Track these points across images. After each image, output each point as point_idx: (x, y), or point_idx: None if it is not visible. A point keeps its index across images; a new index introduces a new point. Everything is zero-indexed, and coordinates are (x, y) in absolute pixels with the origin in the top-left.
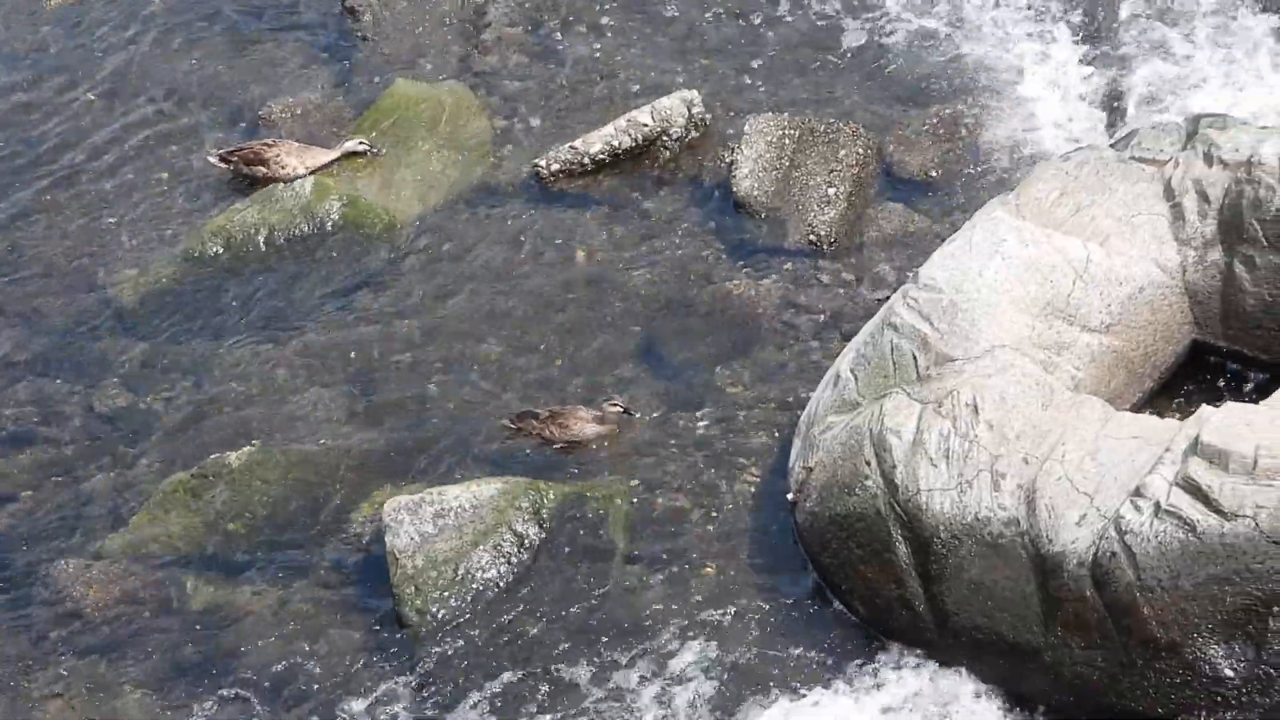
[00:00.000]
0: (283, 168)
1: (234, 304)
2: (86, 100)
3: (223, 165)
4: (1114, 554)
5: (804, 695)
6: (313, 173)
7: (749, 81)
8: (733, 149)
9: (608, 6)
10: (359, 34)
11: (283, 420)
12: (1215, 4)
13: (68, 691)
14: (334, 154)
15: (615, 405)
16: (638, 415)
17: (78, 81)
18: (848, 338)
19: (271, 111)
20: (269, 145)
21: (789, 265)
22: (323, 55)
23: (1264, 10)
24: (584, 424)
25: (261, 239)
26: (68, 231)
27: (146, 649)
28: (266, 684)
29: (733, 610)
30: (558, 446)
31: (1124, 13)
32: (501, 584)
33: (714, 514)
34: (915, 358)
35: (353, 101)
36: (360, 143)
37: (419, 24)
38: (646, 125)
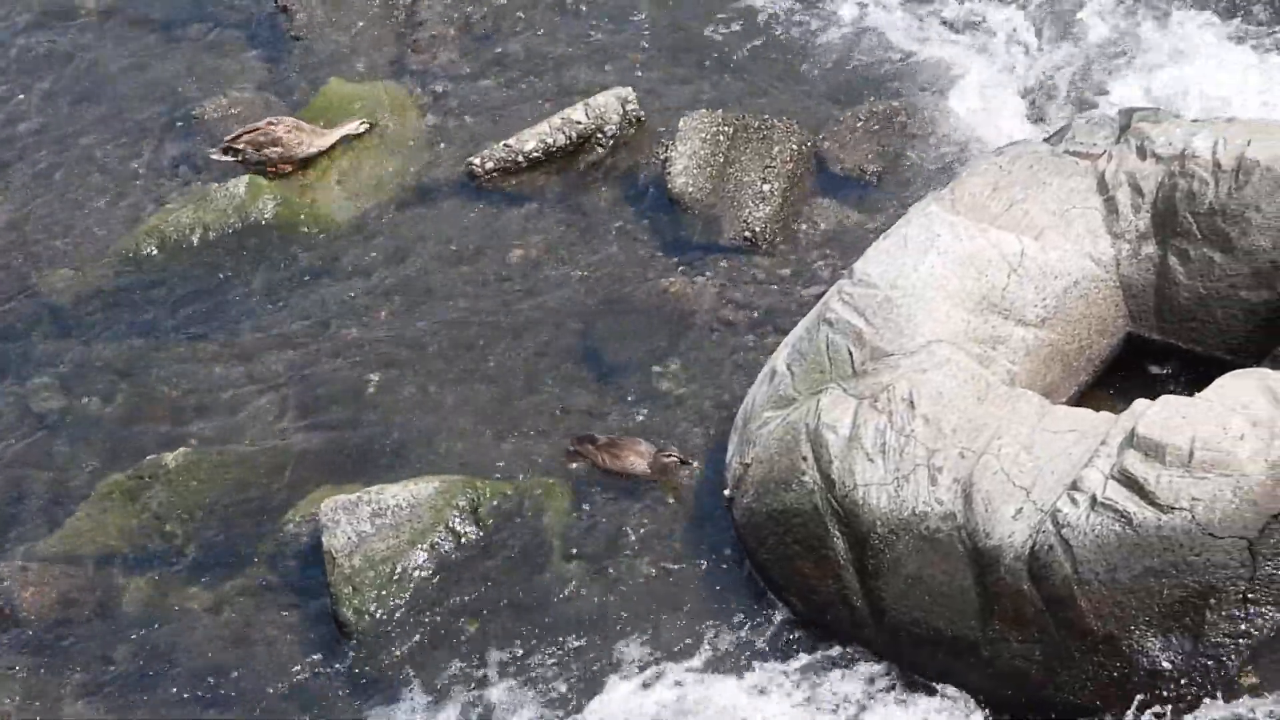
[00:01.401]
0: (299, 144)
1: (170, 304)
2: (18, 100)
3: (228, 158)
4: (1051, 547)
5: (743, 691)
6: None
7: (683, 78)
8: (667, 146)
9: (541, 4)
10: (293, 33)
11: (219, 421)
12: None
13: (2, 693)
14: (337, 135)
15: (670, 456)
16: (694, 464)
17: (9, 81)
18: (783, 334)
19: (205, 111)
20: (273, 124)
21: (724, 262)
22: (257, 54)
23: (1198, 5)
24: (635, 458)
25: (196, 239)
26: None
27: (83, 650)
28: (204, 685)
29: (670, 607)
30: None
31: (1058, 8)
32: (439, 583)
33: (651, 511)
34: (851, 353)
35: (287, 100)
36: (361, 123)
37: (353, 23)
38: (581, 123)
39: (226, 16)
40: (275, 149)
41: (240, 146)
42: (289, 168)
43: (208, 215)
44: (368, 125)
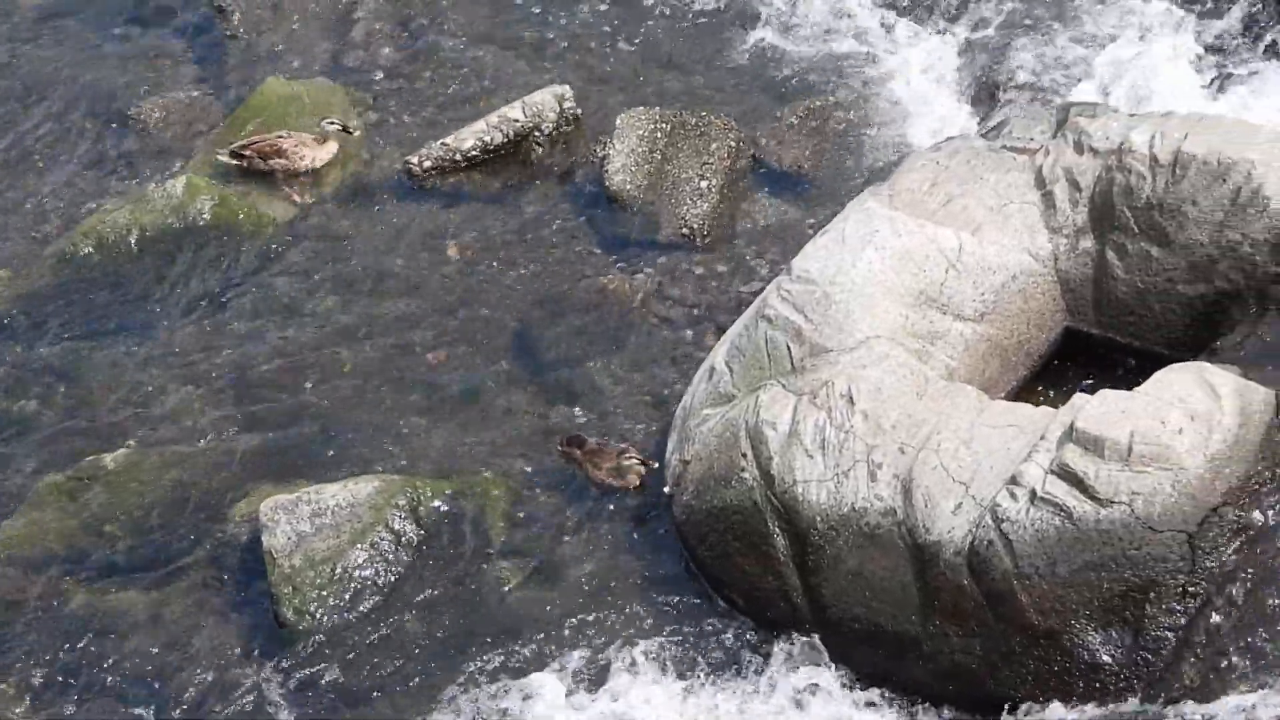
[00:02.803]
0: (301, 159)
1: (108, 305)
2: None
3: (234, 162)
4: (990, 542)
5: (684, 688)
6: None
7: (620, 75)
8: (604, 143)
9: (478, 2)
10: (228, 32)
11: (159, 421)
12: None
13: None
14: (335, 143)
15: (632, 458)
16: (654, 466)
17: None
18: (722, 330)
19: (141, 110)
20: (284, 137)
21: (662, 259)
22: (192, 54)
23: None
24: (604, 474)
25: (134, 239)
26: None
27: (22, 652)
28: (144, 686)
29: (611, 605)
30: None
31: (994, 4)
32: (379, 582)
33: (591, 509)
34: (790, 349)
35: (223, 100)
36: (331, 122)
37: (288, 22)
38: (518, 121)
39: (162, 17)
40: (280, 160)
41: (248, 154)
42: (295, 177)
43: (145, 216)
44: (339, 124)
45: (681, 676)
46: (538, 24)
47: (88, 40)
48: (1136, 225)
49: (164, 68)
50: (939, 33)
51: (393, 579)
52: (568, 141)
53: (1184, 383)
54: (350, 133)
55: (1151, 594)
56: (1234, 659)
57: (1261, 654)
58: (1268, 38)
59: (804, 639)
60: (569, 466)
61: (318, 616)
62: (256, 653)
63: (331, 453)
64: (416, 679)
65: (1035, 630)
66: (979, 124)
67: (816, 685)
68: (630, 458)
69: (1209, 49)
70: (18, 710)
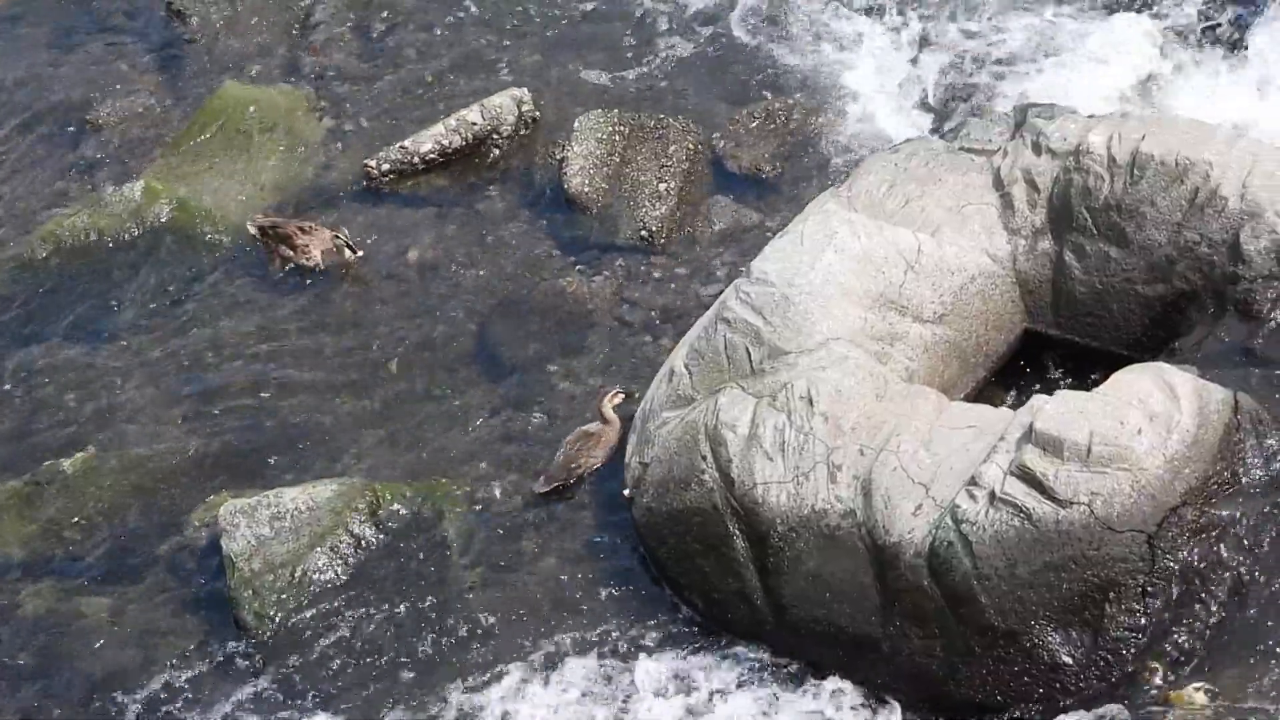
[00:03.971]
0: (307, 257)
1: (66, 309)
2: None
3: (259, 236)
4: (950, 543)
5: (643, 691)
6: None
7: (578, 78)
8: (563, 146)
9: (435, 6)
10: (186, 37)
11: (118, 425)
12: None
13: None
14: (354, 253)
15: (618, 395)
16: (360, 255)
17: None
18: (681, 333)
19: (99, 116)
20: (303, 230)
21: (621, 262)
22: (149, 58)
23: (1088, 2)
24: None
25: (92, 244)
26: None
27: None
28: (104, 691)
29: (570, 608)
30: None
31: (951, 6)
32: (339, 586)
33: (551, 512)
34: (749, 352)
35: (181, 104)
36: (336, 237)
37: (246, 26)
38: (476, 124)
39: (120, 22)
40: (288, 250)
41: (268, 231)
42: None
43: (103, 220)
44: (343, 242)
45: (639, 678)
46: (495, 28)
47: (45, 45)
48: (1095, 226)
49: (122, 72)
50: (896, 34)
51: (352, 582)
52: (526, 145)
53: (1143, 383)
54: (354, 253)
55: (1111, 594)
56: (1194, 658)
57: (1221, 653)
58: (1223, 37)
59: (764, 641)
60: (528, 470)
61: (277, 620)
62: (216, 657)
63: (291, 457)
64: (376, 681)
65: (995, 631)
66: (937, 126)
67: (776, 687)
68: (617, 395)
69: (1165, 49)
70: None
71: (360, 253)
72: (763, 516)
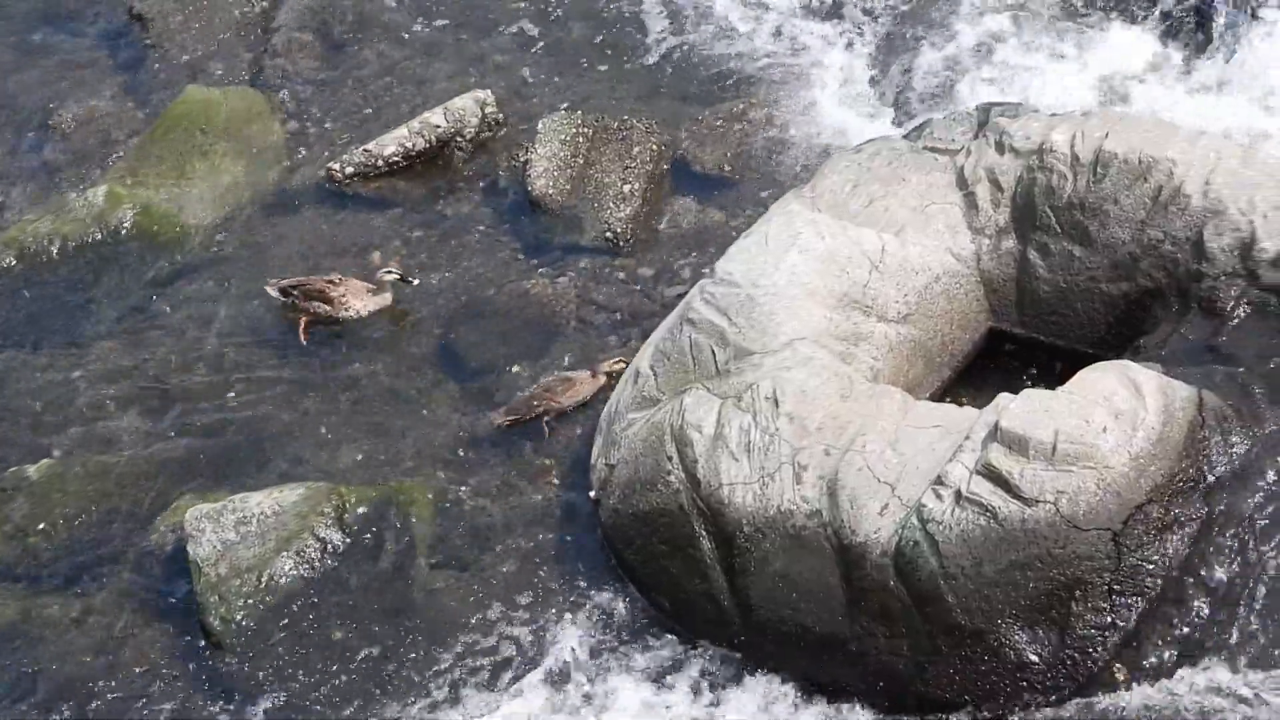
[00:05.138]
0: (346, 309)
1: (29, 315)
2: None
3: (281, 298)
4: (916, 543)
5: (611, 693)
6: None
7: (542, 80)
8: (527, 148)
9: (398, 9)
10: (148, 40)
11: (82, 431)
12: None
13: None
14: (387, 295)
15: (620, 363)
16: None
17: None
18: (646, 334)
19: (62, 120)
20: (333, 283)
21: (585, 263)
22: (112, 62)
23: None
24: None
25: (55, 249)
26: None
27: None
28: (70, 697)
29: (538, 610)
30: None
31: (914, 5)
32: (306, 590)
33: (517, 514)
34: (714, 353)
35: (144, 108)
36: (389, 271)
37: (208, 29)
38: (440, 126)
39: (81, 26)
40: (323, 306)
41: (294, 292)
42: (337, 321)
43: (66, 225)
44: (397, 275)
45: (608, 679)
46: (459, 30)
47: (6, 49)
48: (1059, 225)
49: (83, 77)
50: (859, 35)
51: (319, 586)
52: (490, 147)
53: (1107, 381)
54: (409, 283)
55: (1077, 592)
56: (1160, 655)
57: (1188, 649)
58: (1183, 38)
59: (731, 641)
60: (494, 472)
61: (244, 625)
62: (183, 662)
63: (256, 461)
64: (344, 685)
65: (962, 630)
66: (900, 125)
67: (742, 688)
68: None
69: (1131, 48)
70: None
71: (416, 280)
72: (729, 517)
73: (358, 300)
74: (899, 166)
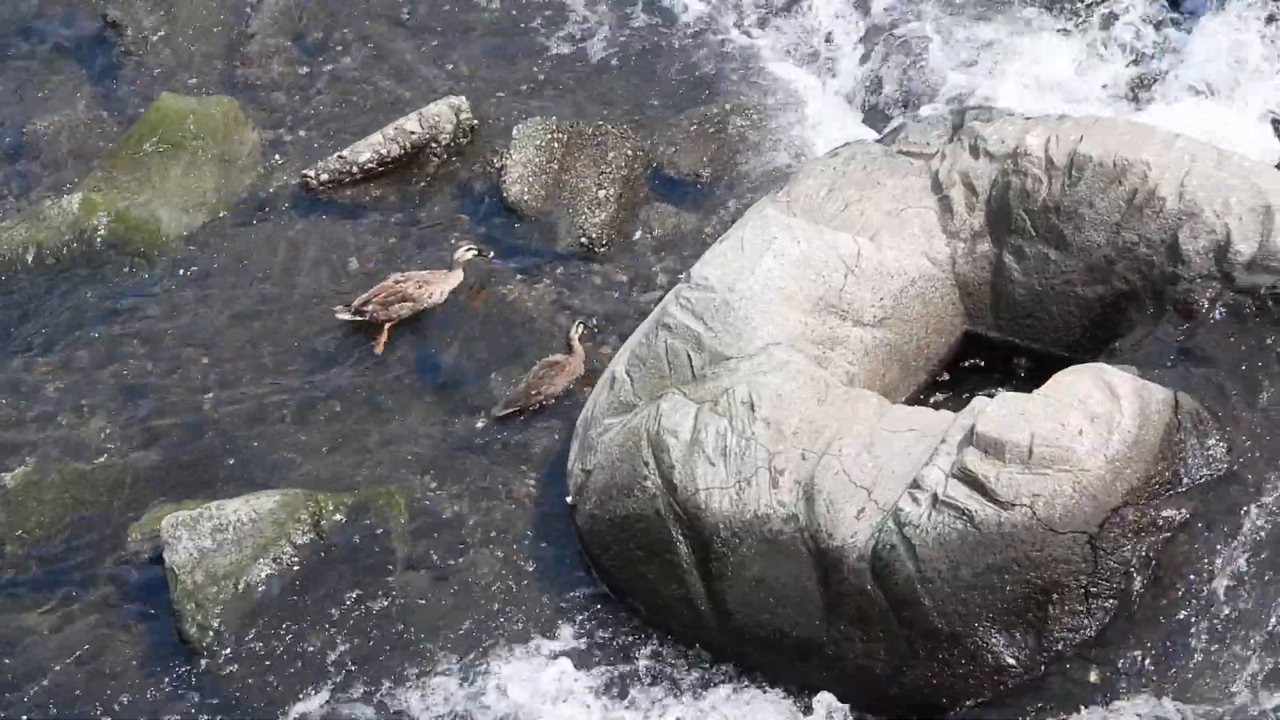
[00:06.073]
0: (430, 296)
1: (4, 322)
2: None
3: (358, 318)
4: (893, 546)
5: (587, 696)
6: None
7: (516, 86)
8: (502, 154)
9: (372, 16)
10: (122, 49)
11: (58, 438)
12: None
13: None
14: (459, 272)
15: (581, 327)
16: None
17: None
18: (622, 339)
19: (36, 127)
20: (402, 280)
21: (561, 268)
22: (86, 71)
23: (1030, 3)
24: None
25: (30, 256)
26: None
27: None
28: (47, 706)
29: (515, 615)
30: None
31: (887, 8)
32: (283, 597)
33: (494, 519)
34: (690, 357)
35: (119, 116)
36: (469, 249)
37: (183, 37)
38: (415, 133)
39: (55, 34)
40: (406, 304)
41: (370, 308)
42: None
43: (41, 233)
44: (475, 249)
45: (585, 685)
46: (433, 36)
47: None
48: (1034, 228)
49: (57, 84)
50: (833, 39)
51: (296, 593)
52: (465, 153)
53: (1083, 384)
54: (485, 255)
55: (1054, 595)
56: (1136, 658)
57: (1163, 653)
58: (1162, 41)
59: (708, 646)
60: (471, 478)
61: (221, 632)
62: (160, 669)
63: (232, 468)
64: (320, 692)
65: (939, 633)
66: (875, 129)
67: (719, 692)
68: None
69: (1103, 52)
70: None
71: (492, 253)
72: (706, 522)
73: (436, 286)
74: (874, 170)
